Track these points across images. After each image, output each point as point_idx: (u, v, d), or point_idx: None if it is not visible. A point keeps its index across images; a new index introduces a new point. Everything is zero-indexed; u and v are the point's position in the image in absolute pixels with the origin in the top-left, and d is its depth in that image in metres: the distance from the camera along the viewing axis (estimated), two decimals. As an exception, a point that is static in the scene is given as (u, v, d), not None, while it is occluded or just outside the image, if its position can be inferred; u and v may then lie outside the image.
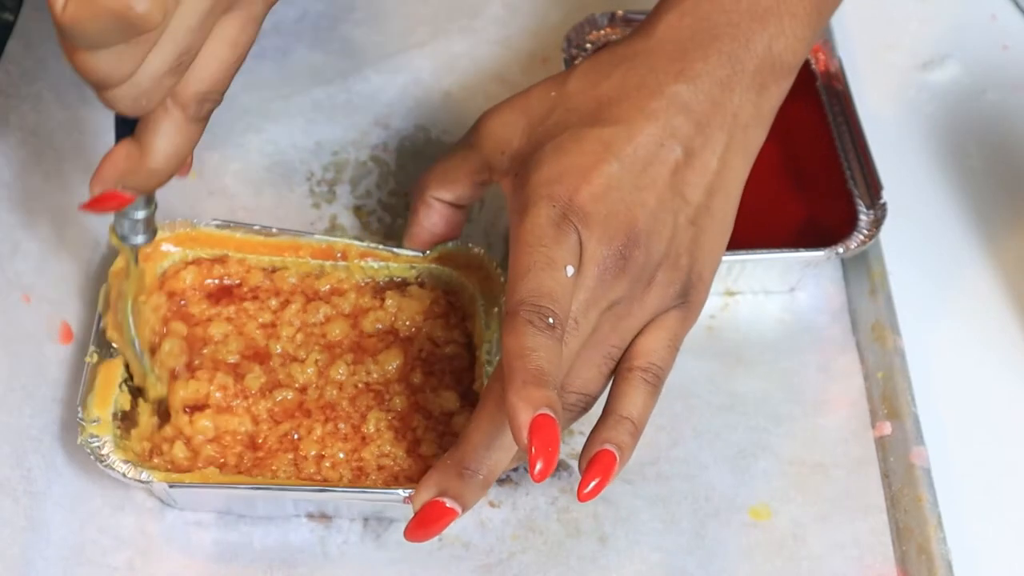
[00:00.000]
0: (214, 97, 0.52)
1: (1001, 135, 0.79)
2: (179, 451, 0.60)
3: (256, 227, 0.66)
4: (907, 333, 0.68)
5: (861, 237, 0.69)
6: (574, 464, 0.64)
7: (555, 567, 0.61)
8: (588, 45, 0.77)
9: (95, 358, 0.61)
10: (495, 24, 0.83)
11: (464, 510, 0.54)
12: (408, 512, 0.58)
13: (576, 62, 0.76)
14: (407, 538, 0.54)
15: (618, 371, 0.58)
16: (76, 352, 0.65)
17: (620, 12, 0.78)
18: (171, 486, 0.58)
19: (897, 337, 0.67)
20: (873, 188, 0.70)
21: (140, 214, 0.57)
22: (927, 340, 0.69)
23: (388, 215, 0.74)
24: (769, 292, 0.72)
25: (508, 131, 0.61)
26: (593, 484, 0.54)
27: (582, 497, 0.54)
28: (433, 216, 0.65)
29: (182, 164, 0.53)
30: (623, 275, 0.55)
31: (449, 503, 0.54)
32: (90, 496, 0.62)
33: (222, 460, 0.60)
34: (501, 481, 0.64)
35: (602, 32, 0.78)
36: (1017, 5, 0.85)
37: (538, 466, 0.50)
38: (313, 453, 0.60)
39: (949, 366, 0.69)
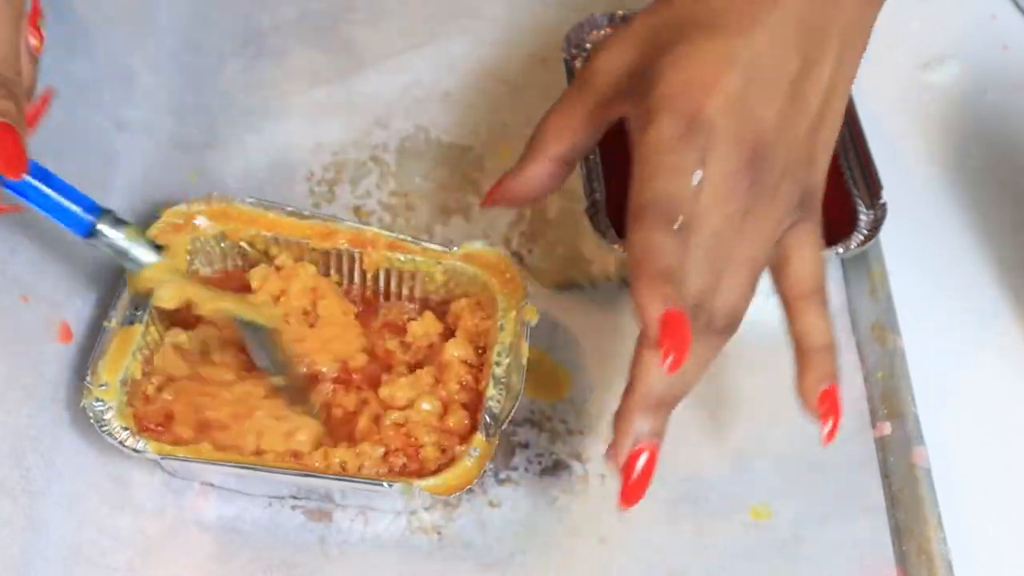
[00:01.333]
0: None
1: (1001, 135, 0.79)
2: (150, 388, 0.62)
3: (289, 208, 0.67)
4: (907, 333, 0.68)
5: (861, 237, 0.69)
6: (575, 464, 0.64)
7: (555, 567, 0.61)
8: (588, 45, 0.77)
9: (113, 323, 0.63)
10: (495, 24, 0.83)
11: (661, 442, 0.54)
12: (397, 505, 0.58)
13: (576, 62, 0.76)
14: (623, 505, 0.54)
15: (789, 304, 0.58)
16: (75, 352, 0.65)
17: (620, 12, 0.78)
18: (163, 458, 0.59)
19: (897, 337, 0.67)
20: (873, 188, 0.70)
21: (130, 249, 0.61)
22: (927, 340, 0.69)
23: (388, 215, 0.74)
24: (769, 292, 0.71)
25: (620, 58, 0.59)
26: (830, 424, 0.56)
27: (827, 440, 0.56)
28: (543, 175, 0.62)
29: None
30: (749, 188, 0.55)
31: (645, 442, 0.54)
32: (89, 496, 0.61)
33: (174, 407, 0.62)
34: (501, 481, 0.64)
35: (602, 32, 0.78)
36: (1017, 5, 0.85)
37: (669, 359, 0.49)
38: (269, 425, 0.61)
39: (949, 366, 0.69)
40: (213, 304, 0.62)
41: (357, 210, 0.74)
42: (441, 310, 0.67)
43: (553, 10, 0.84)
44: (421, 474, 0.60)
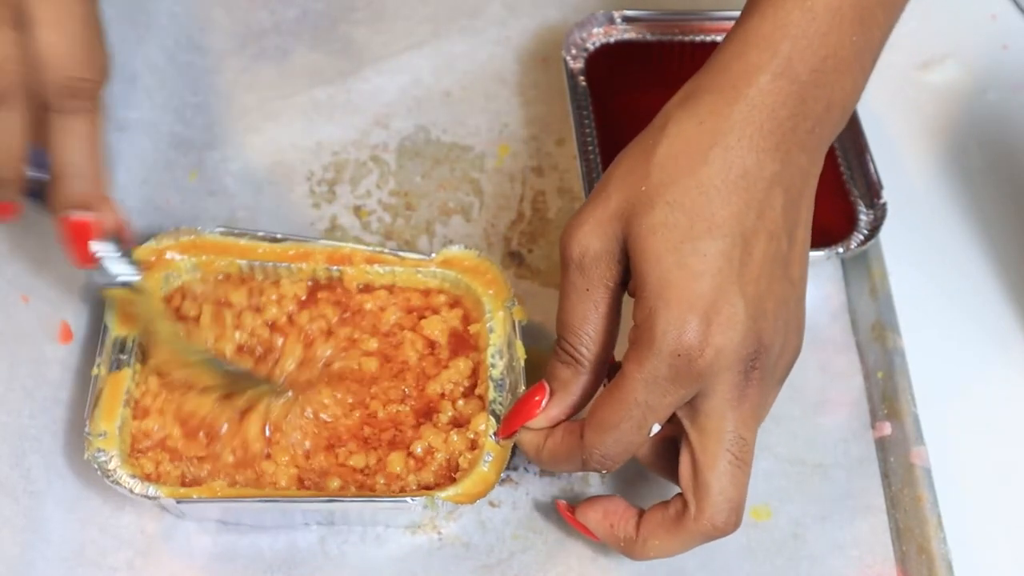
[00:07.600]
0: None
1: (1001, 135, 0.79)
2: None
3: (260, 233, 0.66)
4: (907, 333, 0.68)
5: (861, 237, 0.69)
6: (574, 464, 0.64)
7: (555, 567, 0.61)
8: (588, 45, 0.77)
9: (101, 370, 0.61)
10: (495, 24, 0.83)
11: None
12: (416, 518, 0.58)
13: (576, 63, 0.76)
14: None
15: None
16: (76, 352, 0.65)
17: (620, 12, 0.78)
18: (179, 501, 0.58)
19: (897, 337, 0.67)
20: (873, 188, 0.70)
21: (114, 258, 0.59)
22: (927, 340, 0.69)
23: (388, 215, 0.74)
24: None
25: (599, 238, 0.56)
26: None
27: None
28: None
29: None
30: (749, 386, 0.55)
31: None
32: (90, 496, 0.62)
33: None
34: (501, 481, 0.64)
35: (602, 31, 0.78)
36: (1017, 5, 0.85)
37: None
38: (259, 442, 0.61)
39: (949, 366, 0.69)
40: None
41: (357, 210, 0.74)
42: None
43: (553, 10, 0.84)
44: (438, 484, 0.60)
